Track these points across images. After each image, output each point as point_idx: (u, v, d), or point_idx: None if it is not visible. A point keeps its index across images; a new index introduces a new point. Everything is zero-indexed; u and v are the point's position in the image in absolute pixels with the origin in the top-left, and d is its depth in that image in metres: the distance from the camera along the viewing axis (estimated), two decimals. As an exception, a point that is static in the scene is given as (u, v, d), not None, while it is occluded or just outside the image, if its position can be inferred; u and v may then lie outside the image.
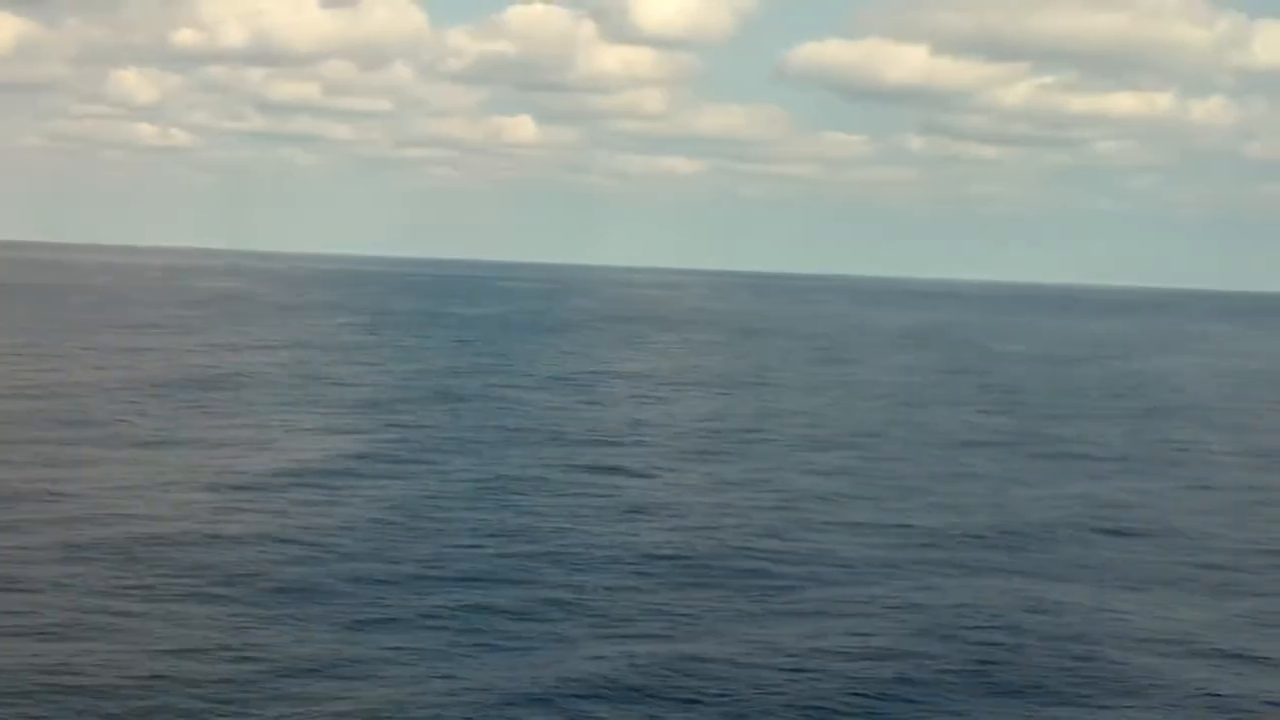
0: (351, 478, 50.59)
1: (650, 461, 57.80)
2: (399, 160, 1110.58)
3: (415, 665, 29.07)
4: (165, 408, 68.30)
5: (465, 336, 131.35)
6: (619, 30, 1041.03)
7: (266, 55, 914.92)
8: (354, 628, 31.69)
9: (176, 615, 32.00)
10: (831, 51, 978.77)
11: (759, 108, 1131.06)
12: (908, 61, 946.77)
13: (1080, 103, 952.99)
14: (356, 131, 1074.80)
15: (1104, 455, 64.42)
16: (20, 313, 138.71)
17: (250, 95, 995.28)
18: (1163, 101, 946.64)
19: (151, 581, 34.99)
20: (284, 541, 39.67)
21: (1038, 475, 57.75)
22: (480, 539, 41.20)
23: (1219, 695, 29.10)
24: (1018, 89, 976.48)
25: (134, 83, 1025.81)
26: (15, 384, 76.34)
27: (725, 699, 27.83)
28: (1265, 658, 32.16)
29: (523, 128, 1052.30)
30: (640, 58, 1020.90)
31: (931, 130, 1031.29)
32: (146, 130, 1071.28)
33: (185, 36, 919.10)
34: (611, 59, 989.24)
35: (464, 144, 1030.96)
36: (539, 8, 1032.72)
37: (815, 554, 40.78)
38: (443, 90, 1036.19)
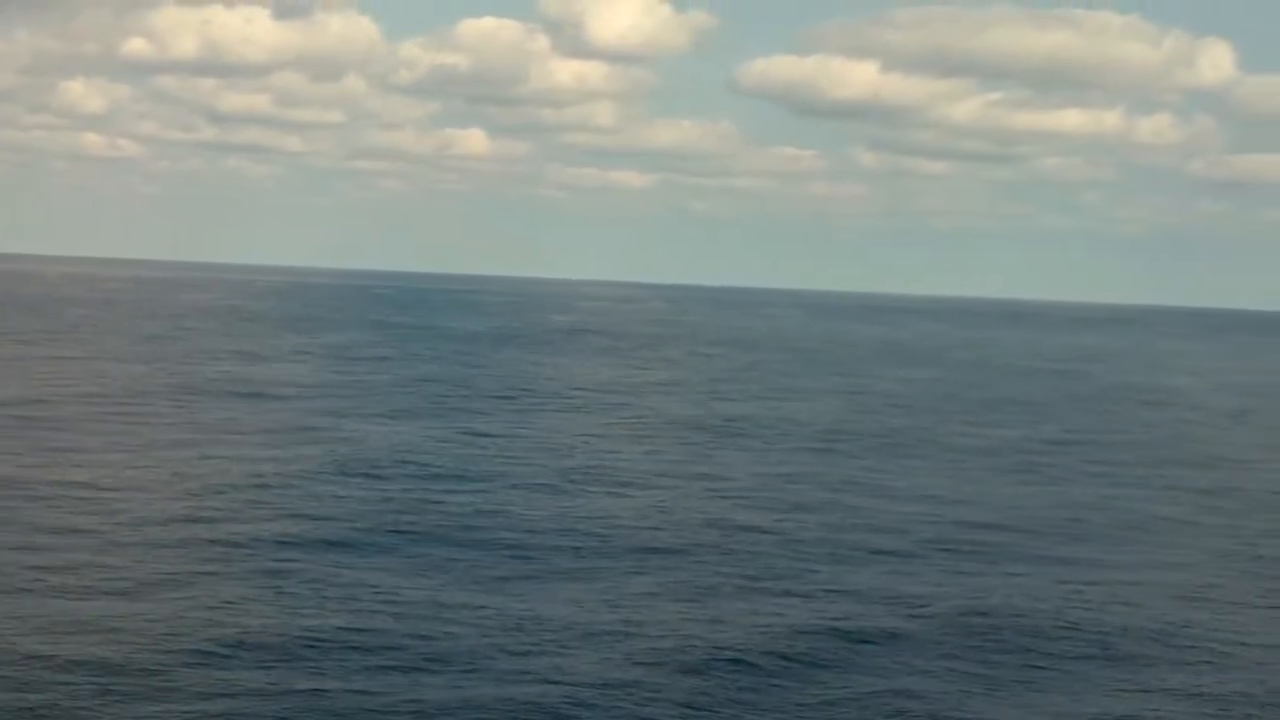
0: (492, 478, 55.19)
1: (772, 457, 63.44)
2: (349, 172, 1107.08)
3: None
4: (255, 413, 71.67)
5: (476, 350, 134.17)
6: (572, 44, 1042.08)
7: (218, 66, 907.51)
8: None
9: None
10: (783, 67, 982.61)
11: (711, 123, 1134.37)
12: (858, 77, 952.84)
13: (1028, 119, 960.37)
14: (307, 143, 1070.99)
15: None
16: (31, 324, 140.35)
17: (200, 106, 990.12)
18: (1109, 119, 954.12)
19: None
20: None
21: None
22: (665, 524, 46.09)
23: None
24: (966, 105, 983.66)
25: (82, 93, 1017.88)
26: (83, 390, 79.19)
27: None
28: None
29: (473, 141, 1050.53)
30: (593, 72, 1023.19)
31: (881, 145, 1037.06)
32: (93, 140, 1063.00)
33: (136, 46, 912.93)
34: (564, 73, 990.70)
35: (414, 156, 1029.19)
36: (492, 21, 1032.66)
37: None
38: (394, 103, 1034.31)
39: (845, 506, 51.77)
